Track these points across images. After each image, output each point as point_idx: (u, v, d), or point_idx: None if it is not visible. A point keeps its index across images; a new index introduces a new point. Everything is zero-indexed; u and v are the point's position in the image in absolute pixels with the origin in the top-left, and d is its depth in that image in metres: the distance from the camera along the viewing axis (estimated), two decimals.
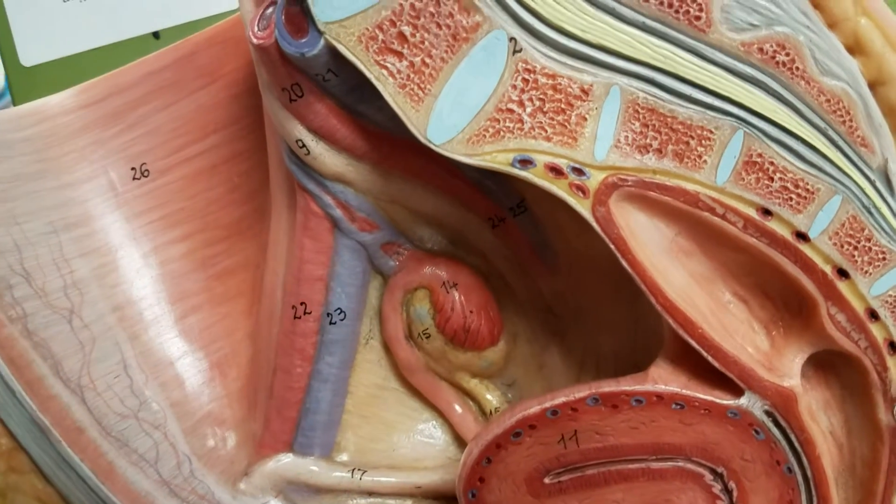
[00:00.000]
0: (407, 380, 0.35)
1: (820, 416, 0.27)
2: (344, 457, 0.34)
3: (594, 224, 0.26)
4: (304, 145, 0.30)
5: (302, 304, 0.33)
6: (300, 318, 0.33)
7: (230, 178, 0.37)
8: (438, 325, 0.33)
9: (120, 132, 0.36)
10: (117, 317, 0.35)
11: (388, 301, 0.34)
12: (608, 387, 0.27)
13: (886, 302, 0.25)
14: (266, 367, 0.35)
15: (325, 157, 0.30)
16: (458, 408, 0.35)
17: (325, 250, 0.32)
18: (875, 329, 0.26)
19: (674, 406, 0.26)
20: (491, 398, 0.35)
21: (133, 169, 0.36)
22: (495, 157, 0.26)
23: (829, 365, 0.27)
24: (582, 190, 0.26)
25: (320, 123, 0.29)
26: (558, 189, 0.26)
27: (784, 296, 0.27)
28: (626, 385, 0.26)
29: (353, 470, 0.34)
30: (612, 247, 0.26)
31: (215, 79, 0.37)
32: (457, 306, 0.33)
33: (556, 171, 0.26)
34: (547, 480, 0.27)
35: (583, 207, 0.26)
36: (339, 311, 0.33)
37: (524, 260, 0.34)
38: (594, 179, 0.26)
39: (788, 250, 0.25)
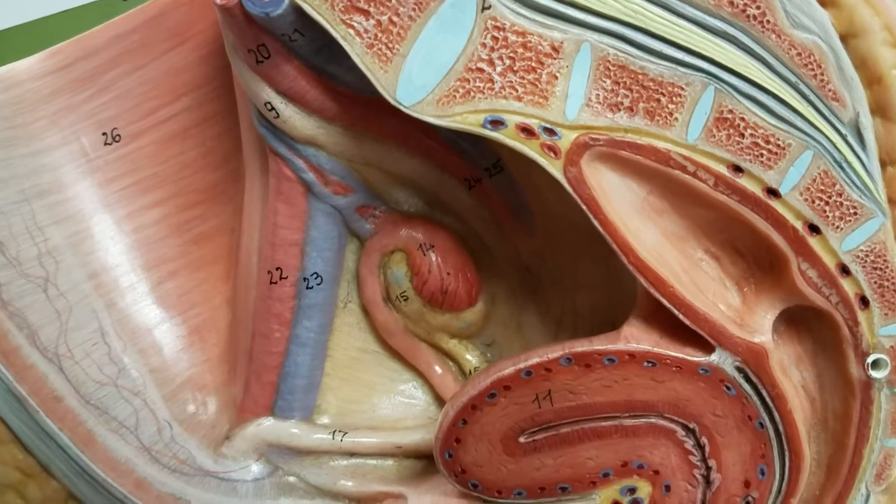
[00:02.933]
0: (386, 342, 0.35)
1: (792, 370, 0.27)
2: (325, 419, 0.35)
3: (566, 184, 0.26)
4: (273, 108, 0.29)
5: (277, 269, 0.33)
6: (276, 283, 0.33)
7: (203, 141, 0.37)
8: (416, 287, 0.33)
9: (90, 97, 0.35)
10: (93, 284, 0.35)
11: (366, 264, 0.33)
12: (581, 346, 0.27)
13: (857, 257, 0.26)
14: (245, 332, 0.35)
15: (296, 119, 0.29)
16: (437, 368, 0.35)
17: (299, 215, 0.32)
18: (846, 284, 0.26)
19: (646, 364, 0.26)
20: (470, 358, 0.35)
21: (104, 134, 0.36)
22: (466, 118, 0.26)
23: (801, 320, 0.27)
24: (553, 150, 0.25)
25: (289, 85, 0.29)
26: (530, 150, 0.26)
27: (755, 252, 0.27)
28: (599, 344, 0.27)
29: (334, 431, 0.34)
30: (583, 207, 0.26)
31: (184, 40, 0.36)
32: (434, 268, 0.33)
33: (527, 131, 0.25)
34: (522, 440, 0.27)
35: (554, 168, 0.26)
36: (315, 276, 0.33)
37: (501, 220, 0.34)
38: (565, 139, 0.25)
39: (759, 207, 0.25)
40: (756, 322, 0.27)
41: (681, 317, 0.26)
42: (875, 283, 0.25)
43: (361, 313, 0.35)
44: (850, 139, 0.25)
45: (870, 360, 0.26)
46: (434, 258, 0.33)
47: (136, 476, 0.32)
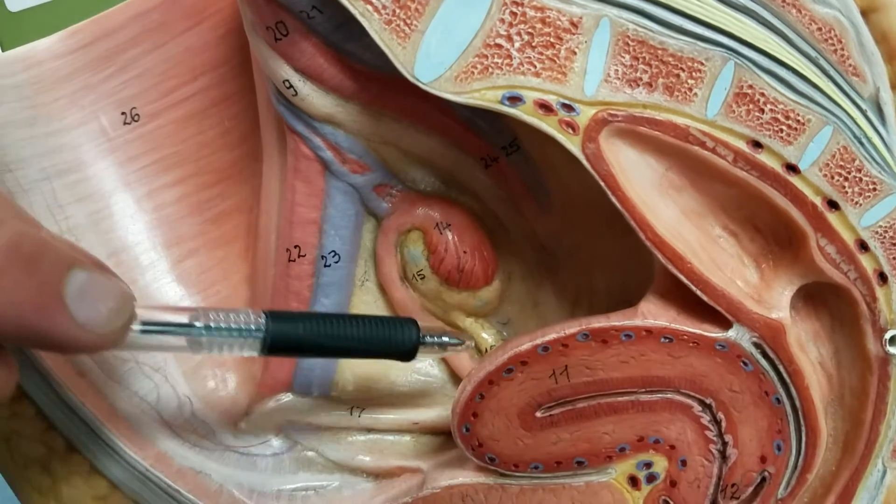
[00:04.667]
0: None
1: (809, 346, 0.28)
2: (343, 395, 0.35)
3: (584, 161, 0.26)
4: (291, 86, 0.29)
5: (296, 246, 0.33)
6: (294, 260, 0.33)
7: (221, 121, 0.37)
8: (433, 265, 0.33)
9: (109, 76, 0.35)
10: (113, 262, 0.35)
11: (382, 243, 0.34)
12: (598, 322, 0.27)
13: (876, 233, 0.25)
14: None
15: (314, 97, 0.29)
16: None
17: (317, 193, 0.32)
18: (864, 260, 0.26)
19: (662, 340, 0.27)
20: (486, 336, 0.35)
21: (124, 114, 0.36)
22: (484, 94, 0.26)
23: (818, 296, 0.27)
24: (572, 126, 0.25)
25: (307, 63, 0.29)
26: (548, 126, 0.26)
27: (774, 228, 0.27)
28: (616, 320, 0.27)
29: (352, 408, 0.34)
30: (601, 183, 0.26)
31: (202, 19, 0.36)
32: (450, 247, 0.33)
33: (545, 107, 0.25)
34: (539, 414, 0.28)
35: (572, 144, 0.26)
36: (332, 254, 0.33)
37: (518, 199, 0.34)
38: (584, 115, 0.25)
39: (778, 183, 0.25)
40: (774, 298, 0.27)
41: (698, 293, 0.26)
42: (894, 258, 0.25)
43: (378, 292, 0.35)
44: (870, 114, 0.25)
45: (888, 335, 0.26)
46: (451, 237, 0.33)
47: (157, 450, 0.33)
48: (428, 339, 0.30)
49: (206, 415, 0.35)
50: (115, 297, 0.23)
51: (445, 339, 0.30)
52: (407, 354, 0.29)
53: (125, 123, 0.36)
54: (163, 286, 0.36)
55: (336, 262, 0.33)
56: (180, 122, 0.37)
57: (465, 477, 0.29)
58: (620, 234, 0.33)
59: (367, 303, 0.35)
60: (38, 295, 0.21)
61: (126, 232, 0.35)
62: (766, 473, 0.28)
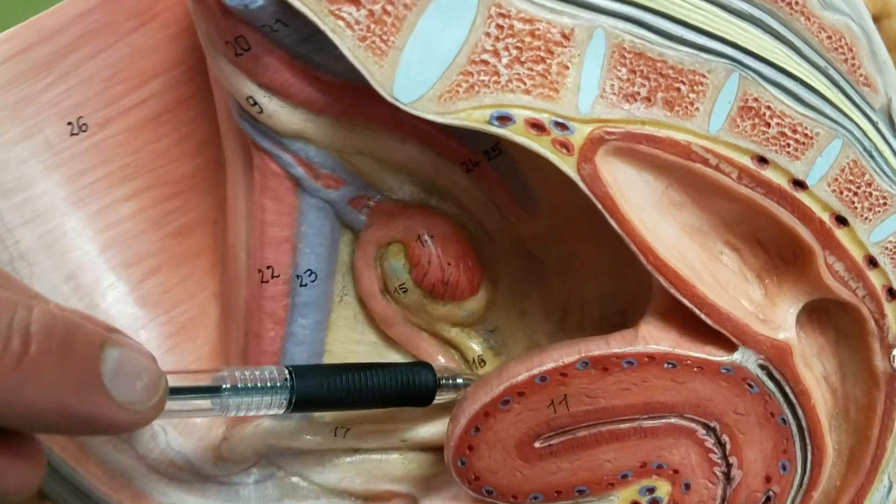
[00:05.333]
0: (385, 332, 0.33)
1: (814, 362, 0.27)
2: (325, 416, 0.33)
3: (580, 183, 0.24)
4: (256, 103, 0.27)
5: (269, 267, 0.31)
6: (268, 282, 0.31)
7: (177, 127, 0.34)
8: (416, 279, 0.32)
9: (51, 84, 0.33)
10: (72, 287, 0.33)
11: (361, 257, 0.32)
12: (598, 349, 0.25)
13: (886, 248, 0.24)
14: (236, 331, 0.33)
15: (281, 114, 0.27)
16: (440, 358, 0.33)
17: (289, 211, 0.30)
18: (873, 276, 0.25)
19: (665, 365, 0.25)
20: (474, 346, 0.34)
21: (70, 124, 0.33)
22: (470, 114, 0.24)
23: (823, 310, 0.26)
24: (566, 146, 0.24)
25: (271, 78, 0.26)
26: (540, 147, 0.24)
27: (778, 244, 0.26)
28: (617, 346, 0.25)
29: (336, 428, 0.33)
30: (598, 205, 0.24)
31: (150, 18, 0.33)
32: (434, 259, 0.31)
33: (537, 126, 0.23)
34: (537, 445, 0.27)
35: (567, 166, 0.24)
36: (308, 273, 0.31)
37: (502, 204, 0.32)
38: (579, 134, 0.24)
39: (785, 199, 0.24)
40: (779, 317, 0.26)
41: (703, 317, 0.25)
42: None
43: (358, 306, 0.33)
44: (881, 126, 0.23)
45: None
46: (434, 249, 0.31)
47: (133, 488, 0.31)
48: (443, 381, 0.29)
49: (182, 444, 0.33)
50: (149, 372, 0.23)
51: (460, 380, 0.30)
52: (426, 401, 0.29)
53: (72, 135, 0.33)
54: (126, 309, 0.34)
55: (313, 281, 0.31)
56: (132, 130, 0.34)
57: None
58: (612, 240, 0.32)
59: (347, 318, 0.33)
60: (79, 379, 0.21)
61: (82, 253, 0.33)
62: (770, 493, 0.27)
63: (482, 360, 0.33)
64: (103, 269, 0.34)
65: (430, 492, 0.29)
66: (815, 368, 0.26)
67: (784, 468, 0.27)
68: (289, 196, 0.30)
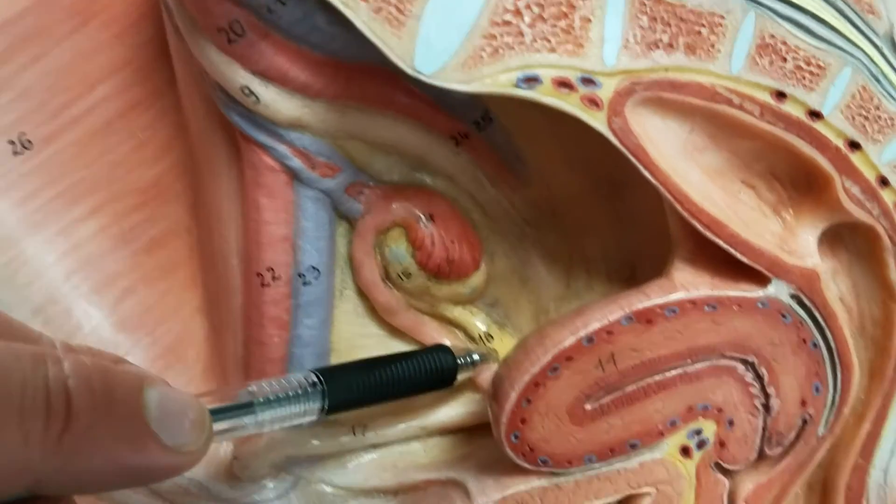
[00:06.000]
0: (387, 322, 0.32)
1: (829, 285, 0.28)
2: (339, 417, 0.32)
3: (612, 138, 0.24)
4: (251, 92, 0.25)
5: (269, 269, 0.29)
6: (268, 285, 0.29)
7: (132, 133, 0.32)
8: (420, 262, 0.30)
9: None
10: (42, 320, 0.30)
11: (360, 246, 0.30)
12: (640, 303, 0.25)
13: (895, 166, 0.25)
14: (233, 342, 0.31)
15: (279, 102, 0.25)
16: (446, 340, 0.33)
17: (286, 206, 0.28)
18: (886, 195, 0.26)
19: (706, 308, 0.26)
20: (478, 323, 0.33)
21: (12, 142, 0.30)
22: (497, 79, 0.23)
23: (834, 235, 0.27)
24: (595, 102, 0.23)
25: (268, 64, 0.24)
26: (570, 105, 0.23)
27: (793, 176, 0.26)
28: (657, 297, 0.25)
29: (354, 427, 0.32)
30: (631, 158, 0.24)
31: (88, 18, 0.30)
32: (437, 239, 0.30)
33: (565, 85, 0.23)
34: (588, 407, 0.26)
35: (598, 122, 0.23)
36: (312, 270, 0.29)
37: (493, 175, 0.31)
38: (606, 89, 0.23)
39: (803, 131, 0.25)
40: (801, 246, 0.26)
41: (738, 255, 0.25)
42: None
43: (358, 298, 0.32)
44: (885, 51, 0.24)
45: None
46: (435, 229, 0.30)
47: None
48: (461, 361, 0.29)
49: (193, 470, 0.30)
50: (193, 408, 0.21)
51: (476, 357, 0.29)
52: (449, 382, 0.29)
53: (15, 154, 0.30)
54: (104, 337, 0.31)
55: (316, 279, 0.30)
56: (82, 142, 0.31)
57: (516, 485, 0.27)
58: (608, 196, 0.32)
59: (348, 312, 0.32)
60: (128, 431, 0.19)
61: (47, 282, 0.30)
62: (806, 416, 0.28)
63: (489, 336, 0.33)
64: (73, 296, 0.31)
65: (473, 473, 0.29)
66: (831, 291, 0.27)
67: (817, 390, 0.28)
68: (285, 191, 0.28)
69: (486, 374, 0.32)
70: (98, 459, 0.18)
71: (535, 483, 0.27)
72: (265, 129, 0.26)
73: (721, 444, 0.28)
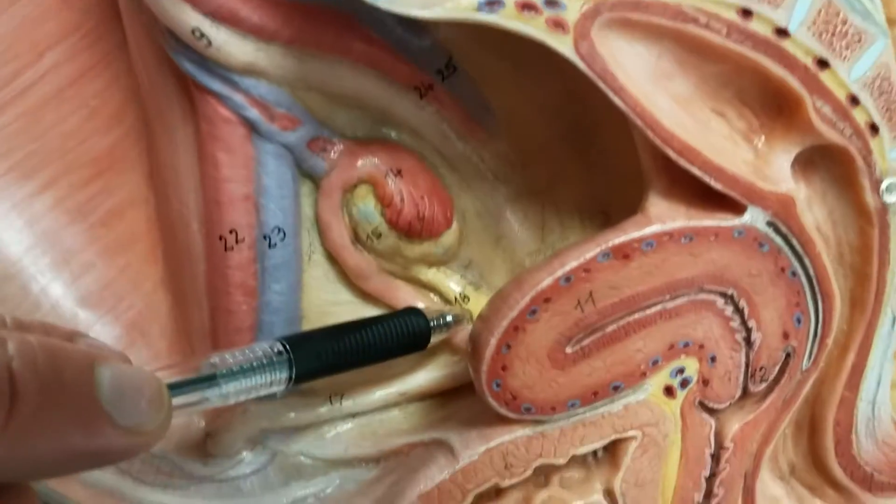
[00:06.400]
0: (360, 287, 0.31)
1: (805, 213, 0.27)
2: (314, 386, 0.31)
3: (579, 62, 0.23)
4: (203, 35, 0.24)
5: (231, 231, 0.28)
6: (231, 249, 0.28)
7: (84, 101, 0.31)
8: (390, 220, 0.30)
9: None
10: None
11: (327, 206, 0.29)
12: (616, 238, 0.25)
13: (865, 84, 0.25)
14: (198, 312, 0.30)
15: (231, 44, 0.24)
16: (420, 304, 0.32)
17: (245, 162, 0.27)
18: (857, 114, 0.25)
19: (683, 240, 0.25)
20: (452, 285, 0.32)
21: None
22: (458, 3, 0.22)
23: (807, 162, 0.27)
24: (560, 25, 0.23)
25: (219, 4, 0.24)
26: (534, 29, 0.23)
27: (761, 100, 0.26)
28: (634, 231, 0.25)
29: (330, 397, 0.31)
30: (600, 83, 0.23)
31: None
32: (406, 195, 0.29)
33: (528, 7, 0.22)
34: (569, 350, 0.26)
35: (564, 46, 0.23)
36: (277, 231, 0.28)
37: (460, 127, 0.30)
38: (572, 10, 0.23)
39: (771, 49, 0.24)
40: (775, 171, 0.26)
41: (712, 183, 0.25)
42: (882, 107, 0.25)
43: (328, 263, 0.31)
44: None
45: (884, 185, 0.26)
46: (404, 184, 0.29)
47: None
48: (434, 323, 0.28)
49: (162, 449, 0.29)
50: (149, 384, 0.19)
51: (450, 317, 0.29)
52: (422, 345, 0.28)
53: None
54: (63, 315, 0.30)
55: (282, 240, 0.29)
56: (31, 113, 0.30)
57: (500, 436, 0.26)
58: (577, 143, 0.31)
59: (318, 278, 0.31)
60: (79, 413, 0.17)
61: (3, 259, 0.29)
62: (789, 348, 0.27)
63: (465, 297, 0.32)
64: (30, 273, 0.30)
65: (456, 431, 0.28)
66: (807, 219, 0.27)
67: (799, 321, 0.27)
68: (243, 145, 0.27)
69: (462, 335, 0.31)
70: (48, 444, 0.17)
71: (520, 433, 0.26)
72: (219, 76, 0.25)
73: (704, 381, 0.27)
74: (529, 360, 0.25)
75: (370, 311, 0.32)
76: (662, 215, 0.25)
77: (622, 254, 0.25)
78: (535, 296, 0.25)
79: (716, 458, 0.28)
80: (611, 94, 0.23)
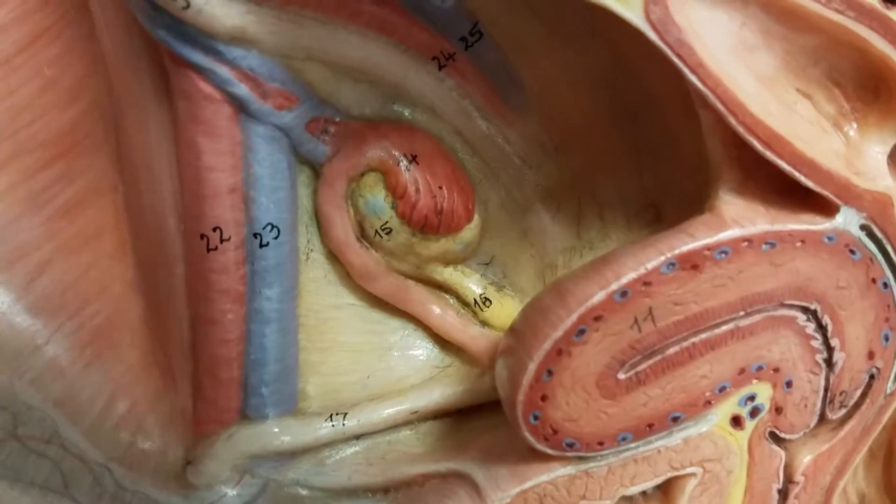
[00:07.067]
0: (364, 289, 0.27)
1: None
2: (314, 405, 0.27)
3: (649, 31, 0.19)
4: None
5: (215, 229, 0.23)
6: (216, 249, 0.24)
7: (38, 70, 0.26)
8: (402, 214, 0.25)
9: None
10: None
11: (329, 198, 0.25)
12: (684, 245, 0.21)
13: None
14: (176, 323, 0.26)
15: (216, 6, 0.20)
16: (435, 308, 0.28)
17: (232, 148, 0.23)
18: None
19: (763, 247, 0.21)
20: (471, 286, 0.28)
21: None
22: None
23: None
24: None
25: None
26: None
27: (856, 80, 0.22)
28: (706, 236, 0.21)
29: (332, 415, 0.26)
30: (674, 58, 0.19)
31: None
32: (422, 186, 0.25)
33: None
34: (621, 376, 0.21)
35: (632, 12, 0.18)
36: (269, 228, 0.24)
37: (484, 104, 0.26)
38: None
39: (877, 21, 0.20)
40: (869, 166, 0.22)
41: (802, 179, 0.20)
42: None
43: (328, 262, 0.27)
44: None
45: None
46: (420, 173, 0.25)
47: None
48: None
49: (136, 480, 0.26)
50: None
51: None
52: None
53: None
54: (18, 324, 0.26)
55: (275, 238, 0.24)
56: None
57: (537, 475, 0.22)
58: (622, 124, 0.27)
59: (317, 280, 0.27)
60: None
61: None
62: (874, 370, 0.24)
63: (485, 300, 0.28)
64: None
65: (481, 462, 0.24)
66: None
67: (886, 339, 0.23)
68: (230, 127, 0.22)
69: (483, 343, 0.27)
70: None
71: (560, 471, 0.22)
72: (200, 45, 0.21)
73: (777, 409, 0.23)
74: (575, 388, 0.21)
75: (376, 315, 0.28)
76: (740, 217, 0.21)
77: (691, 264, 0.21)
78: (583, 313, 0.20)
79: (783, 493, 0.24)
80: (686, 72, 0.19)
